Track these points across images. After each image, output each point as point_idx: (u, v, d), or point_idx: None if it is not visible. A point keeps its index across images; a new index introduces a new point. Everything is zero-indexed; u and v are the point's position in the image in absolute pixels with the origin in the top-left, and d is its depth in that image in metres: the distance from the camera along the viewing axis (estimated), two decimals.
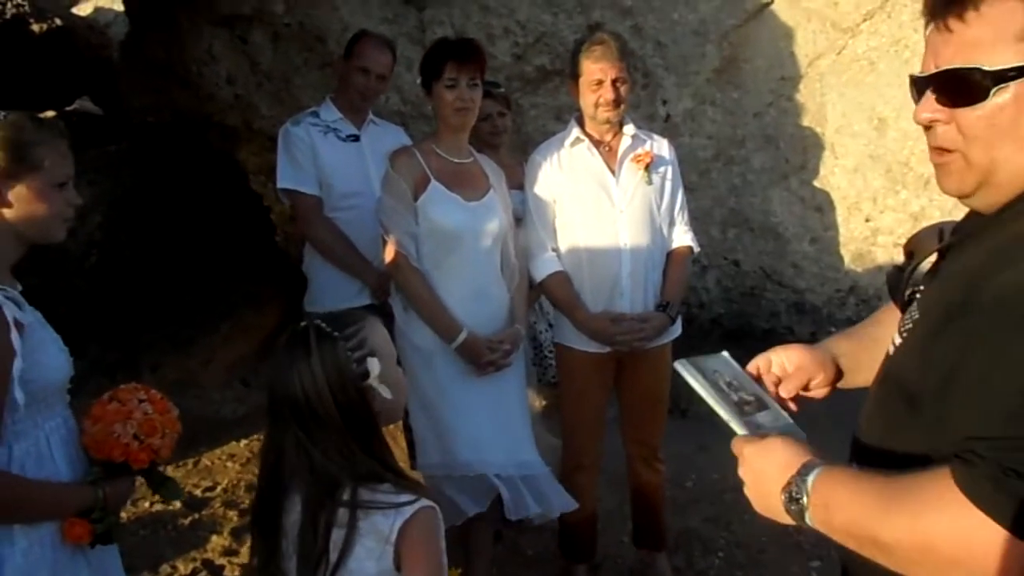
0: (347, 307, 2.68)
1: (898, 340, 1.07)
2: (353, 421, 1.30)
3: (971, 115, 0.91)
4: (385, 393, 1.34)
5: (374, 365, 1.32)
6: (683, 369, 1.13)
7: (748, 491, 1.06)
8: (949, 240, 1.07)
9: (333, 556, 1.26)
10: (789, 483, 0.97)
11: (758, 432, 1.09)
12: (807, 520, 0.96)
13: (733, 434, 1.11)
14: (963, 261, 1.00)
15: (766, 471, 1.01)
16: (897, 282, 1.15)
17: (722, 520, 3.16)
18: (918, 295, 1.08)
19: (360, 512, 1.27)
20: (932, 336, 0.95)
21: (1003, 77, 0.88)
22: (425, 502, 1.29)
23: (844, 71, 4.31)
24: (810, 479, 0.96)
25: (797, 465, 0.98)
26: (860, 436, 1.12)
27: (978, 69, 0.89)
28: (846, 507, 0.92)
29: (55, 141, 1.59)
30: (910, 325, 1.04)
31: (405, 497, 1.28)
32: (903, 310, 1.11)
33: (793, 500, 0.96)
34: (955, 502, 0.80)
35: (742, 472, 1.06)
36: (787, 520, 1.00)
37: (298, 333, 1.34)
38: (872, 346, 1.23)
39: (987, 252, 0.94)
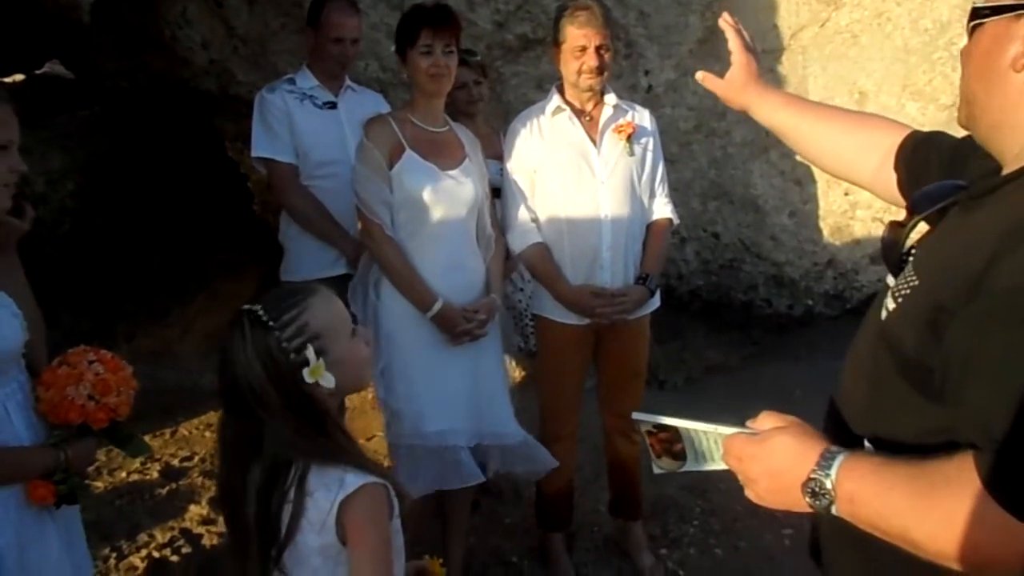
0: (324, 276, 2.67)
1: (892, 304, 1.03)
2: (298, 407, 1.28)
3: (965, 47, 1.01)
4: (326, 383, 1.28)
5: (311, 354, 1.27)
6: (643, 416, 1.17)
7: (757, 489, 1.00)
8: (951, 200, 1.05)
9: (283, 532, 1.27)
10: (810, 478, 0.93)
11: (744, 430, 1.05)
12: (833, 512, 0.93)
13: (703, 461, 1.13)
14: (970, 231, 0.96)
15: (781, 467, 0.97)
16: (892, 243, 1.11)
17: (697, 489, 3.20)
18: (912, 257, 1.05)
19: (306, 488, 1.26)
20: (937, 310, 0.92)
21: (978, 14, 0.97)
22: (371, 478, 1.28)
23: (827, 44, 4.30)
24: (833, 472, 0.92)
25: (814, 457, 0.94)
26: (840, 395, 1.10)
27: (973, 6, 0.98)
28: (874, 502, 0.89)
29: None
30: (907, 290, 1.00)
31: (351, 474, 1.27)
32: (896, 270, 1.08)
33: (816, 496, 0.93)
34: (989, 504, 0.80)
35: (749, 472, 1.01)
36: (803, 509, 0.96)
37: (237, 318, 1.30)
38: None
39: (995, 228, 0.91)
